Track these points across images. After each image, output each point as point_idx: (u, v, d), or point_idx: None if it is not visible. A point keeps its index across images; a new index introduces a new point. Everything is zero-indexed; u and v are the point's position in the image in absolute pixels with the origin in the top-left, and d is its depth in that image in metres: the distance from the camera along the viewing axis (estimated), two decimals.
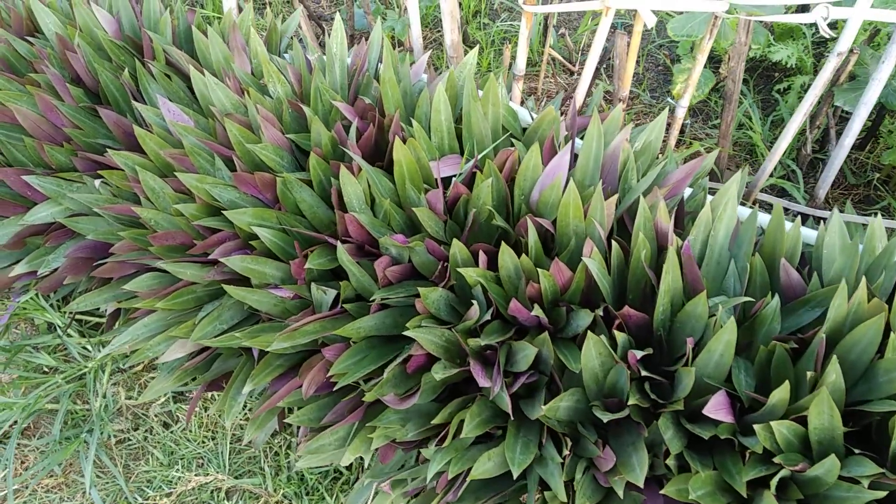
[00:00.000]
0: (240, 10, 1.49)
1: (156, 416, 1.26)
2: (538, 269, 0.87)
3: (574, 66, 1.75)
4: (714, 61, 1.70)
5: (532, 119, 1.22)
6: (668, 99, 1.58)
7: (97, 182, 1.15)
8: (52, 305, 1.34)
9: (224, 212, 0.97)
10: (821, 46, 1.67)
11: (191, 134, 1.07)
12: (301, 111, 1.11)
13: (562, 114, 1.42)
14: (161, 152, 1.05)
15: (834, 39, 1.45)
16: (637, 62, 1.82)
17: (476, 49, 1.25)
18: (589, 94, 1.50)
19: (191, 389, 1.29)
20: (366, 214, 0.98)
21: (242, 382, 1.05)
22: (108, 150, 1.09)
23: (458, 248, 0.93)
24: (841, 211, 1.11)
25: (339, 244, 0.93)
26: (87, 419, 1.28)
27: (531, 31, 1.20)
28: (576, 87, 1.29)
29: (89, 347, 1.34)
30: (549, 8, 1.15)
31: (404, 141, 1.00)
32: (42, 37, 1.37)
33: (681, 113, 1.25)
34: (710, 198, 1.11)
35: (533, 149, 1.00)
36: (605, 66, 1.77)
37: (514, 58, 1.81)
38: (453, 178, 1.05)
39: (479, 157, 1.04)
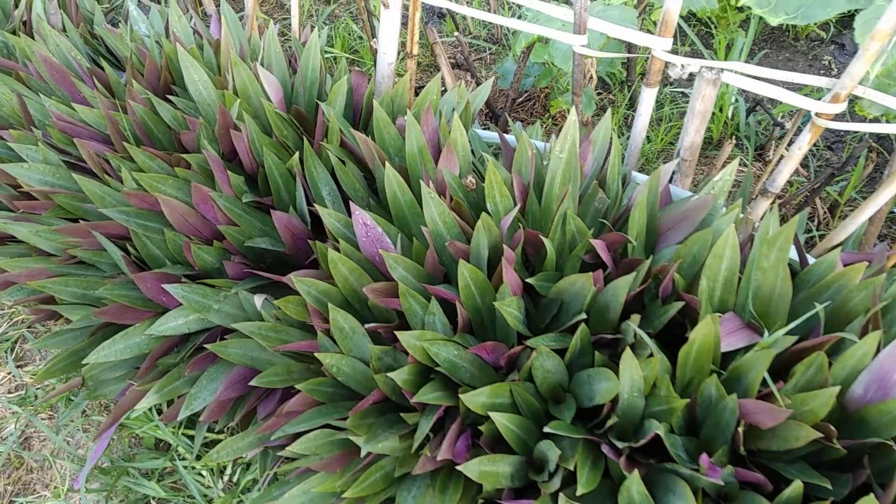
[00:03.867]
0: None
1: None
2: None
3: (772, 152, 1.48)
4: None
5: (805, 259, 0.96)
6: None
7: (258, 300, 0.90)
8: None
9: (461, 396, 0.72)
10: None
11: (401, 266, 0.82)
12: (537, 240, 0.85)
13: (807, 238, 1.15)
14: (363, 289, 0.80)
15: None
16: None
17: (735, 162, 0.99)
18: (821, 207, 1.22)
19: None
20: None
21: None
22: (292, 276, 0.84)
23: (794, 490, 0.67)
24: None
25: (635, 475, 0.67)
26: None
27: (810, 146, 0.94)
28: (845, 218, 1.03)
29: (204, 473, 1.09)
30: (848, 125, 0.89)
31: (703, 314, 0.74)
32: (182, 91, 1.13)
33: None
34: None
35: (871, 337, 0.74)
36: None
37: (753, 157, 1.52)
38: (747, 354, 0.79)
39: (783, 332, 0.78)
